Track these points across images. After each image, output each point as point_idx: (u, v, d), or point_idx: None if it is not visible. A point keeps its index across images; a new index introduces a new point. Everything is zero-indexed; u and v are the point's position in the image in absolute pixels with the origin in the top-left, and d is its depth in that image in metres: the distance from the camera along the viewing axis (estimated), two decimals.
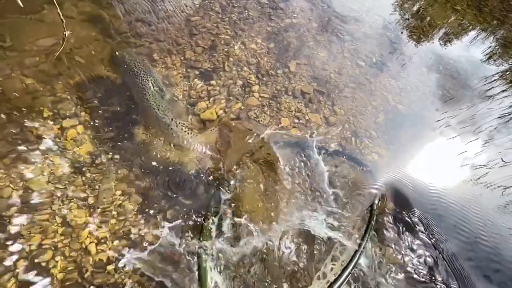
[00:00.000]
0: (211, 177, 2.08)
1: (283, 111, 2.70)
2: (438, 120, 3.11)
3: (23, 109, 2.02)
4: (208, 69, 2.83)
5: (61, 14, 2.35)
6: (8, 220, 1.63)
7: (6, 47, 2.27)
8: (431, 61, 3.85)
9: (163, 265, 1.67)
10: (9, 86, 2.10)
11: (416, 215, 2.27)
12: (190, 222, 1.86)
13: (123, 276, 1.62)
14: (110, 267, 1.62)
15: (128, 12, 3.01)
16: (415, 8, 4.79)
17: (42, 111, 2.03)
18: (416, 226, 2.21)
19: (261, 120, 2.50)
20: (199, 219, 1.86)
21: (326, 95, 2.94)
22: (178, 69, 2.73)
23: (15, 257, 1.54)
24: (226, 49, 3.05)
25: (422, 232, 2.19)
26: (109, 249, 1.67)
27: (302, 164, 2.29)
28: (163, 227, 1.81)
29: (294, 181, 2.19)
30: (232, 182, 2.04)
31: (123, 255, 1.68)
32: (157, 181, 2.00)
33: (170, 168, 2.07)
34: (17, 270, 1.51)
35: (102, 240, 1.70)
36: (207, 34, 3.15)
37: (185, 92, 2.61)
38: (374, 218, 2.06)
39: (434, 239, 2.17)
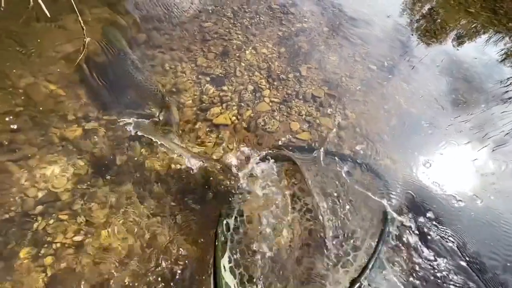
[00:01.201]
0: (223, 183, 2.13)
1: (293, 115, 2.72)
2: (451, 124, 3.06)
3: (48, 113, 2.13)
4: (220, 74, 2.89)
5: (81, 21, 2.47)
6: (34, 218, 1.72)
7: (30, 54, 2.40)
8: (444, 64, 3.80)
9: (180, 265, 1.73)
10: (34, 91, 2.22)
11: (433, 224, 2.24)
12: (204, 224, 1.91)
13: (143, 272, 1.68)
14: (132, 263, 1.69)
15: (145, 19, 3.11)
16: (426, 11, 4.74)
17: (66, 115, 2.14)
18: (434, 236, 2.17)
19: (270, 127, 2.53)
20: (212, 223, 1.90)
21: (337, 99, 2.96)
22: (188, 76, 2.79)
23: (42, 252, 1.63)
24: (238, 54, 3.11)
25: (441, 243, 2.15)
26: (130, 247, 1.74)
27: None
28: (177, 229, 1.87)
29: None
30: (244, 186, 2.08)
31: (143, 253, 1.74)
32: (170, 184, 2.06)
33: (183, 171, 2.13)
34: (46, 266, 1.59)
35: (123, 239, 1.77)
36: (219, 39, 3.22)
37: (195, 97, 2.66)
38: (388, 228, 2.04)
39: (456, 251, 2.13)
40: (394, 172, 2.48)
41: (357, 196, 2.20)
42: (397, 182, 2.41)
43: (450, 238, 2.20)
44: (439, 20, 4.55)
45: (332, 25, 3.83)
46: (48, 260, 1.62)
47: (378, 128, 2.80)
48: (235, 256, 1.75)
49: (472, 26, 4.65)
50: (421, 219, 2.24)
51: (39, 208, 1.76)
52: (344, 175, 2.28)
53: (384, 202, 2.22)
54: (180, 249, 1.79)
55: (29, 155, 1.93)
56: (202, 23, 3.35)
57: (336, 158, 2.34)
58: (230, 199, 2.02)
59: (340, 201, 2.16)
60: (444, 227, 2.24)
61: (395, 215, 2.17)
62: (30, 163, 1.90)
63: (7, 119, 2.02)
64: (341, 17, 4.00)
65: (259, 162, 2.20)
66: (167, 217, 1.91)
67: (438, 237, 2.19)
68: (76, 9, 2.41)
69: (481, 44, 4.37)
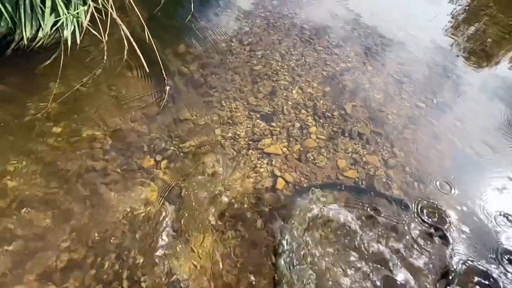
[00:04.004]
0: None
1: (340, 152, 2.81)
2: None
3: (129, 145, 2.60)
4: (269, 112, 3.18)
5: (164, 71, 3.04)
6: (119, 234, 2.07)
7: (121, 100, 2.98)
8: (502, 100, 3.58)
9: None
10: (121, 130, 2.73)
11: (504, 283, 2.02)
12: (263, 251, 2.04)
13: None
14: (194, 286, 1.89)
15: (205, 65, 3.64)
16: (478, 46, 4.59)
17: (143, 146, 2.59)
18: None
19: (319, 162, 2.66)
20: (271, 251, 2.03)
21: (384, 137, 2.98)
22: (241, 112, 3.13)
23: (121, 264, 1.93)
24: (285, 94, 3.40)
25: None
26: (190, 269, 1.95)
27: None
28: (237, 255, 2.03)
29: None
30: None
31: (203, 276, 1.93)
32: (231, 212, 2.27)
33: (240, 201, 2.34)
34: (123, 276, 1.89)
35: (184, 261, 1.99)
36: (268, 81, 3.58)
37: (248, 129, 2.96)
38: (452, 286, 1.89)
39: None
40: (453, 219, 2.34)
41: (410, 248, 2.11)
42: (455, 231, 2.26)
43: None
44: (491, 54, 4.36)
45: (376, 64, 3.96)
46: (124, 273, 1.91)
47: (430, 168, 2.71)
48: (295, 282, 1.82)
49: None
50: (488, 277, 2.03)
51: (123, 226, 2.11)
52: (394, 220, 2.23)
53: (444, 255, 2.08)
54: (241, 275, 1.93)
55: (116, 179, 2.35)
56: (253, 67, 3.77)
57: (385, 199, 2.32)
58: (287, 227, 2.14)
59: (393, 252, 2.10)
60: None
61: (457, 271, 2.01)
62: (117, 187, 2.31)
63: (102, 151, 2.52)
64: (385, 56, 4.12)
65: (313, 192, 2.31)
66: (224, 244, 2.10)
67: None
68: (160, 61, 3.00)
69: None
